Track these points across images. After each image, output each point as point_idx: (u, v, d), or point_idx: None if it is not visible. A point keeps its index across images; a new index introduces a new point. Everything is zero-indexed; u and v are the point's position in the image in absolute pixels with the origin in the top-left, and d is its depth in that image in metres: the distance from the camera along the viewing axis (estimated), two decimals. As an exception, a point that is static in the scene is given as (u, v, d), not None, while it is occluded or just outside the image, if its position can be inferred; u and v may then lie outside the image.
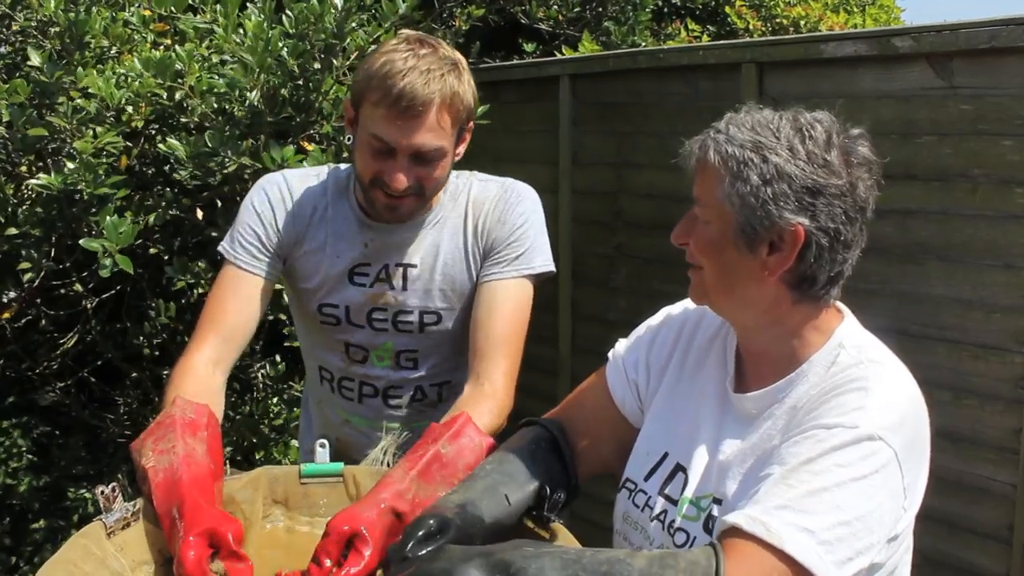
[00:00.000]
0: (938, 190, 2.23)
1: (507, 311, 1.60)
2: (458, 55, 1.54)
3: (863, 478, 1.06)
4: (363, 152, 1.52)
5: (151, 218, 2.47)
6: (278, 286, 1.80)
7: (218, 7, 2.54)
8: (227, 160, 2.42)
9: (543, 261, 1.64)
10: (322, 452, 1.49)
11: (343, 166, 1.72)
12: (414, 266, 1.64)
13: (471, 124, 1.58)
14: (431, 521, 1.14)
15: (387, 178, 1.50)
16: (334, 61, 2.57)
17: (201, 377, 1.50)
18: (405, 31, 1.55)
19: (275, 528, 1.41)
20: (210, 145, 2.38)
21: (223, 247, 1.64)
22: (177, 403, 1.40)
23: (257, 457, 3.44)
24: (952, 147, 2.20)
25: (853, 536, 1.04)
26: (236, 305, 1.60)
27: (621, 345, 1.44)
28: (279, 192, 1.65)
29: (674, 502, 1.25)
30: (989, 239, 2.15)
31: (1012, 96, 2.08)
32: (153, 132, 2.60)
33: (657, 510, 1.26)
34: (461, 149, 1.59)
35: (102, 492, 1.25)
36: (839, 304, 1.24)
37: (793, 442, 1.11)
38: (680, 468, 1.26)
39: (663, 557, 1.04)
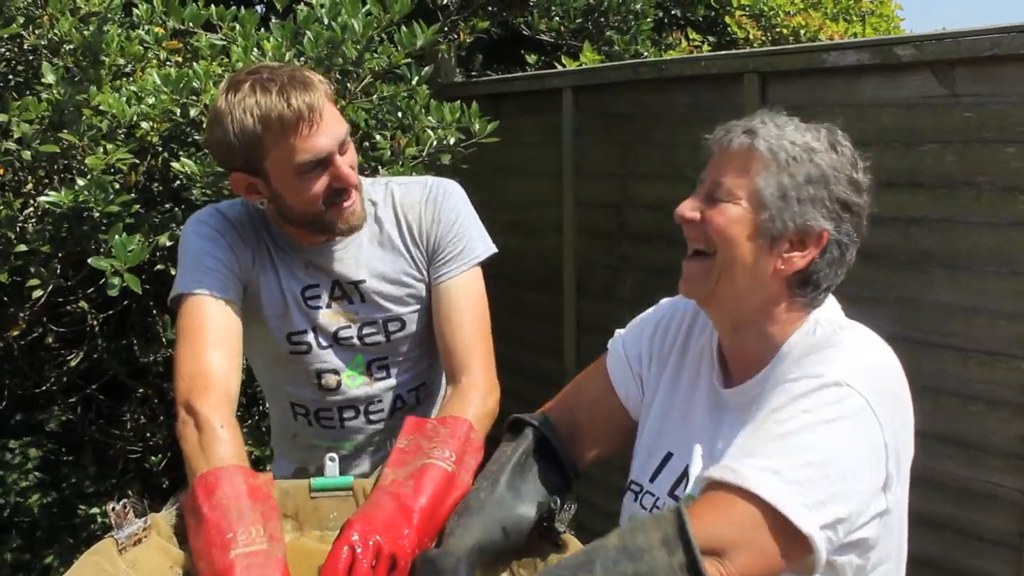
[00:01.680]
0: (942, 198, 2.23)
1: (467, 306, 1.64)
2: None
3: (830, 421, 1.05)
4: (299, 188, 1.49)
5: (162, 238, 2.46)
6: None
7: (236, 25, 2.55)
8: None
9: (485, 246, 1.68)
10: (332, 466, 1.49)
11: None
12: (363, 280, 1.64)
13: None
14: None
15: (339, 182, 1.50)
16: (348, 86, 2.57)
17: (238, 444, 1.41)
18: (222, 85, 1.52)
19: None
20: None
21: (181, 289, 1.52)
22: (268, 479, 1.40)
23: (267, 468, 3.43)
24: (955, 155, 2.20)
25: (824, 479, 1.03)
26: (223, 344, 1.49)
27: (621, 336, 1.46)
28: (218, 220, 1.61)
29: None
30: (993, 246, 2.15)
31: (1014, 104, 2.09)
32: (160, 148, 2.61)
33: None
34: None
35: (113, 508, 1.25)
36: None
37: (764, 401, 1.12)
38: (685, 468, 1.27)
39: (632, 526, 1.05)
